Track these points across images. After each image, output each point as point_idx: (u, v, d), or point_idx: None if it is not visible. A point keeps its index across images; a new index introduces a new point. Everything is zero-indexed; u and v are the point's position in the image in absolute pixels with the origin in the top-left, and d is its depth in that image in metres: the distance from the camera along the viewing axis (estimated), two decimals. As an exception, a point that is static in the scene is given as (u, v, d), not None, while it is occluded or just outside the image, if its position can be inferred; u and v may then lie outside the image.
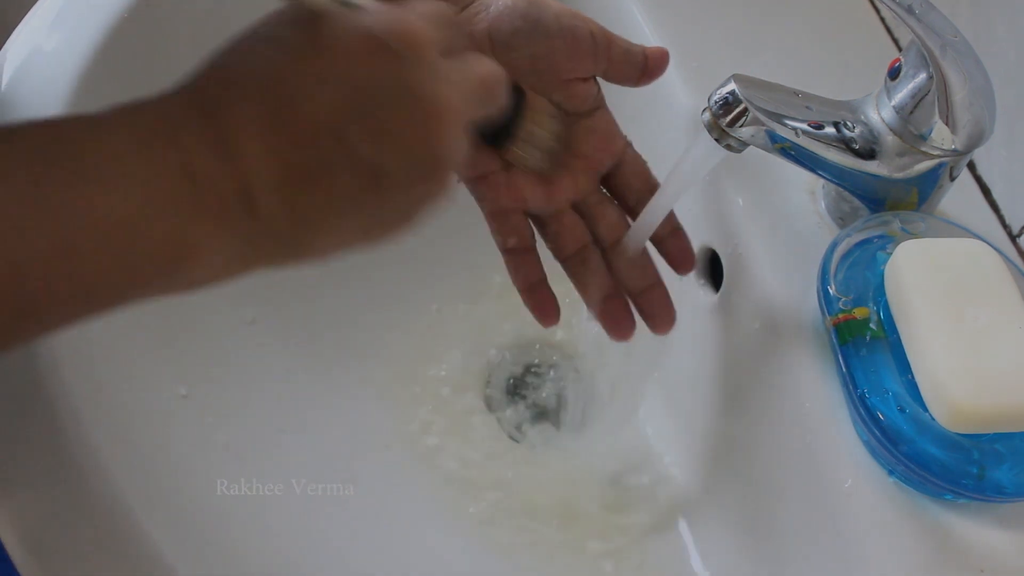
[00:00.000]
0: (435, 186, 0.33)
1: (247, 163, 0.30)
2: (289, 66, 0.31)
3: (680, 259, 0.51)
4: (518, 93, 0.45)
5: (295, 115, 0.30)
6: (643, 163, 0.50)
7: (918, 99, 0.47)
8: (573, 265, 0.50)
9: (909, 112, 0.47)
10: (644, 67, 0.48)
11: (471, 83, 0.35)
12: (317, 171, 0.31)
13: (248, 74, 0.31)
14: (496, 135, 0.46)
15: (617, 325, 0.51)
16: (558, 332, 0.65)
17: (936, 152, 0.48)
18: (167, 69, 0.60)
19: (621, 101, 0.50)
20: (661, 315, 0.51)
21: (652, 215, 0.49)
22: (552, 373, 0.64)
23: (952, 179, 0.50)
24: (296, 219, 0.31)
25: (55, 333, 0.29)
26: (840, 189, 0.52)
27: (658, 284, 0.51)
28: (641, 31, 0.62)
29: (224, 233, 0.30)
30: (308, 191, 0.31)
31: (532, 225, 0.50)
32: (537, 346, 0.65)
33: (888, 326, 0.46)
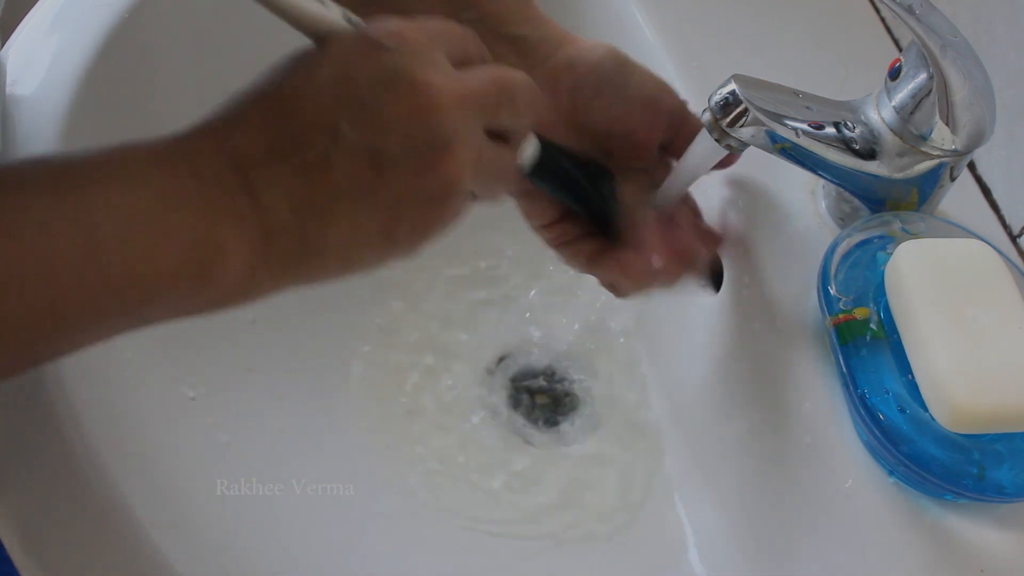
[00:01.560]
0: (440, 170, 0.33)
1: (247, 160, 0.32)
2: (288, 77, 0.33)
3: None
4: (608, 178, 0.45)
5: (290, 115, 0.33)
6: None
7: (918, 99, 0.47)
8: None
9: (909, 112, 0.47)
10: None
11: (476, 80, 0.35)
12: (314, 162, 0.32)
13: (252, 91, 0.34)
14: (605, 225, 0.46)
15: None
16: (563, 334, 0.65)
17: (936, 152, 0.48)
18: (167, 70, 0.60)
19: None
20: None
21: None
22: (555, 373, 0.64)
23: (952, 179, 0.50)
24: (299, 208, 0.32)
25: (89, 344, 0.31)
26: (840, 189, 0.52)
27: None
28: (641, 32, 0.62)
29: (237, 230, 0.32)
30: (308, 181, 0.32)
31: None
32: (540, 347, 0.65)
33: (888, 326, 0.46)
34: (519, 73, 0.37)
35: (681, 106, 0.47)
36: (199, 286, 0.31)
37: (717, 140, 0.46)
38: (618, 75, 0.45)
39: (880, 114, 0.48)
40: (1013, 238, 0.55)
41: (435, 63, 0.34)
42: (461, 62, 0.35)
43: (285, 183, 0.32)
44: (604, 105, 0.46)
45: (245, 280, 0.32)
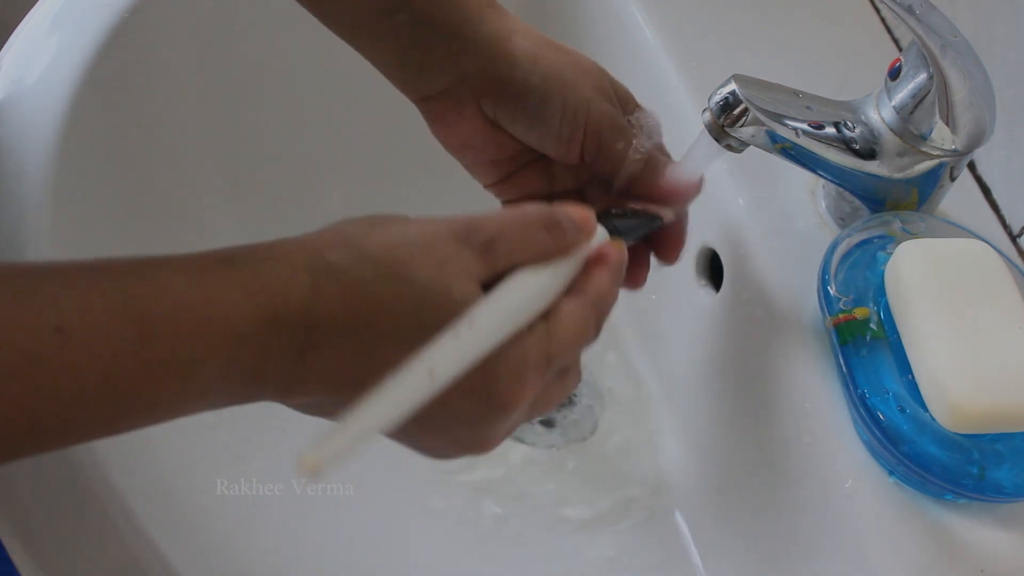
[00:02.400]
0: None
1: (304, 398, 0.33)
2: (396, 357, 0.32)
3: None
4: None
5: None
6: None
7: (918, 99, 0.47)
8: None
9: (909, 112, 0.47)
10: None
11: (543, 411, 0.38)
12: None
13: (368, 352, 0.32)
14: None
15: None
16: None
17: (936, 152, 0.48)
18: (167, 70, 0.60)
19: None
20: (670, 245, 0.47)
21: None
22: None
23: (952, 179, 0.50)
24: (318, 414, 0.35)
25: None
26: (840, 189, 0.52)
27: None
28: (641, 32, 0.62)
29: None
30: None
31: None
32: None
33: (888, 326, 0.46)
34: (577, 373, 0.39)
35: (607, 127, 0.45)
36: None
37: (717, 140, 0.46)
38: (541, 103, 0.44)
39: (880, 114, 0.48)
40: (1013, 238, 0.55)
41: (512, 424, 0.36)
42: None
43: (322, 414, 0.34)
44: (522, 130, 0.45)
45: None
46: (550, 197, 0.47)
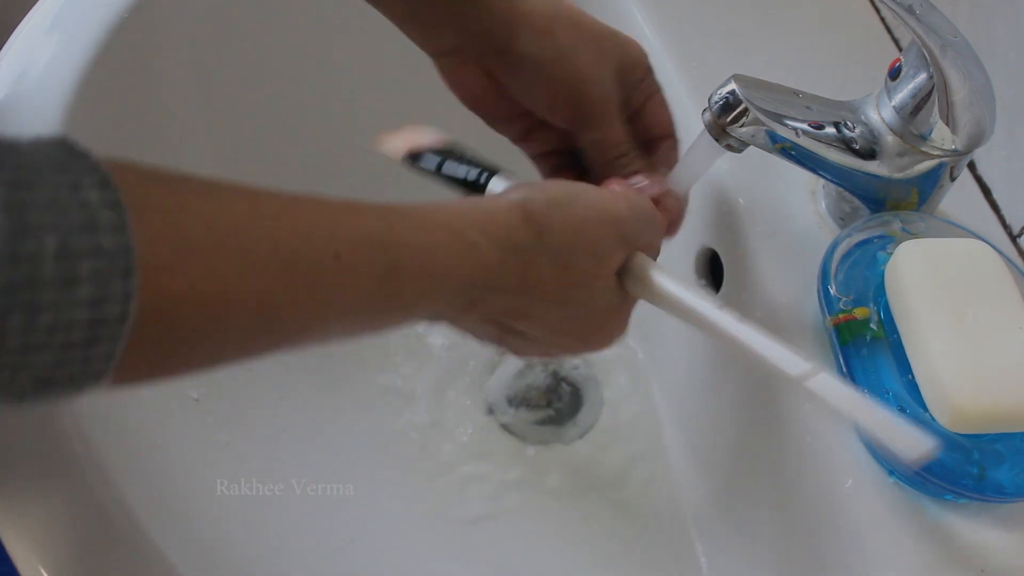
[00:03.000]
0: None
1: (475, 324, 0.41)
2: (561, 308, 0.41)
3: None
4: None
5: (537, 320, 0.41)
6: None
7: (918, 99, 0.47)
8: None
9: (909, 112, 0.47)
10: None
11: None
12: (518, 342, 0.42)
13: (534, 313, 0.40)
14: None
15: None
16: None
17: (936, 152, 0.48)
18: (167, 70, 0.60)
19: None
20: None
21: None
22: (556, 373, 0.64)
23: (952, 179, 0.50)
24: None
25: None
26: (840, 189, 0.52)
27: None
28: (641, 31, 0.62)
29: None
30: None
31: None
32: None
33: (888, 326, 0.46)
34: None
35: (600, 99, 0.46)
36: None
37: (716, 139, 0.46)
38: (533, 75, 0.46)
39: (880, 114, 0.48)
40: (1013, 238, 0.55)
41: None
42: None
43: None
44: (516, 94, 0.46)
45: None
46: (574, 153, 0.49)
